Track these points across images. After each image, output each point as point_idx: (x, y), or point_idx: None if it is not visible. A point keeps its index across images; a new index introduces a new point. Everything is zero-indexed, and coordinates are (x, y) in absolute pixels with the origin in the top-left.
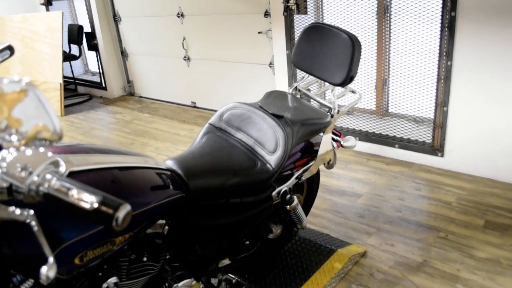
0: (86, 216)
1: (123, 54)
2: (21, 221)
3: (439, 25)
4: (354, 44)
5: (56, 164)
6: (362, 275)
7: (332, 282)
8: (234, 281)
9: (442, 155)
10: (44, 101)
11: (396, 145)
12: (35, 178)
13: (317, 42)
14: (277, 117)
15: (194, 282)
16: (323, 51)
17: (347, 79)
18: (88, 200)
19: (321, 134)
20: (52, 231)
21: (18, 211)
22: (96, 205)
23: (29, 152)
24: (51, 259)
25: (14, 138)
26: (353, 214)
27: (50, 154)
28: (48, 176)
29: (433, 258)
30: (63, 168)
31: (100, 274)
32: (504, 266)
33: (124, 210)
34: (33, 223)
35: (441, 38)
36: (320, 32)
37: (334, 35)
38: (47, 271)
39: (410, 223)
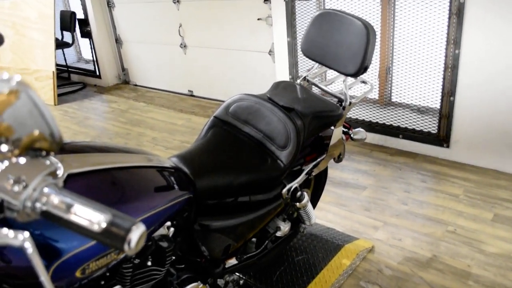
0: (92, 237)
1: (118, 41)
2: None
3: (447, 12)
4: (369, 32)
5: (54, 174)
6: (371, 271)
7: (340, 280)
8: (241, 281)
9: (447, 146)
10: (39, 103)
11: (400, 136)
12: (31, 192)
13: (329, 30)
14: (287, 109)
15: (201, 285)
16: (335, 39)
17: (361, 69)
18: (94, 219)
19: (332, 127)
20: (50, 242)
21: (11, 234)
22: (104, 225)
23: (23, 160)
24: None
25: (4, 148)
26: (359, 207)
27: (47, 162)
28: (46, 189)
29: (442, 253)
30: (60, 172)
31: (102, 283)
32: None
33: (137, 232)
34: (28, 244)
35: (448, 26)
36: (332, 19)
37: (347, 23)
38: None
39: (417, 217)
